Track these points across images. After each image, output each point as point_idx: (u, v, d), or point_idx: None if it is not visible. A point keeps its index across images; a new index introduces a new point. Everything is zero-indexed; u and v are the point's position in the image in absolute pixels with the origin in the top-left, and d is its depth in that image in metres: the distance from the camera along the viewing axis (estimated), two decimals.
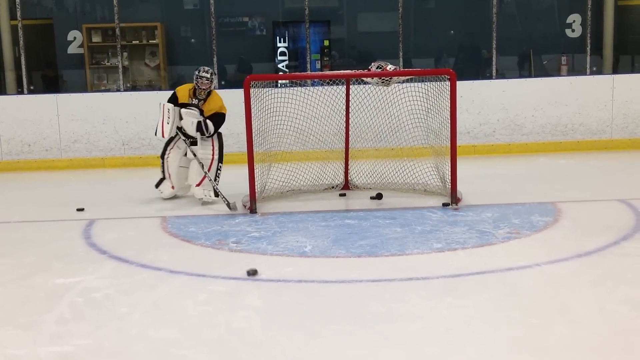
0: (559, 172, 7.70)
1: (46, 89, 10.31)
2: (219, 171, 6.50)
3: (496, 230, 5.30)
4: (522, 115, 9.05)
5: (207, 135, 6.42)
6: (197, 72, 6.47)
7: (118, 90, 9.45)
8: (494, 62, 9.25)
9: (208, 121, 6.42)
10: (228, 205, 6.15)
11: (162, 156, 6.68)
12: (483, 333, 3.46)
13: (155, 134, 6.44)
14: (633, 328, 3.47)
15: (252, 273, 4.38)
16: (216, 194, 6.37)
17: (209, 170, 6.42)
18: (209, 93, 6.52)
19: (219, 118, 6.51)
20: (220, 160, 6.53)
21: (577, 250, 4.70)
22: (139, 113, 8.90)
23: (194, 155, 6.45)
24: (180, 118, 6.38)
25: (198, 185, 6.46)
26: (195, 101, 6.50)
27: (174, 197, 6.73)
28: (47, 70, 10.51)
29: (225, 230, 5.55)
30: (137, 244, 5.23)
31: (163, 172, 6.67)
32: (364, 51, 10.57)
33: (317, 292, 4.17)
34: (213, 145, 6.51)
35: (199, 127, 6.36)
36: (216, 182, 6.41)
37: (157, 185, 6.71)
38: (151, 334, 3.57)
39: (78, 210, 6.37)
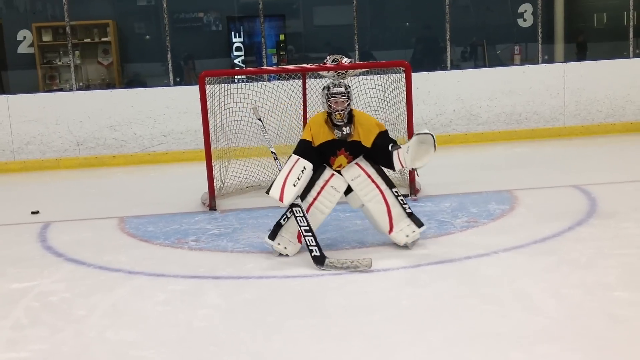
0: (515, 160, 7.82)
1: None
2: (401, 197, 4.73)
3: (454, 220, 5.36)
4: (478, 105, 9.15)
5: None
6: (326, 91, 4.62)
7: (70, 90, 9.25)
8: (448, 53, 9.33)
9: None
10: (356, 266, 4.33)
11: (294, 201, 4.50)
12: (443, 322, 3.51)
13: (268, 192, 4.45)
14: (587, 311, 3.55)
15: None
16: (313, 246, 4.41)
17: (388, 210, 4.67)
18: (351, 113, 4.72)
19: (389, 137, 4.78)
20: (391, 185, 4.75)
21: (533, 237, 4.79)
22: (93, 112, 8.74)
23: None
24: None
25: (391, 231, 4.70)
26: (342, 131, 4.62)
27: (132, 193, 6.11)
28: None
29: (184, 229, 5.50)
30: (94, 246, 5.16)
31: (287, 222, 4.59)
32: (320, 45, 10.56)
33: (278, 288, 4.17)
34: (369, 176, 4.71)
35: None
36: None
37: (273, 236, 4.64)
38: (110, 336, 3.52)
39: (33, 213, 6.23)
